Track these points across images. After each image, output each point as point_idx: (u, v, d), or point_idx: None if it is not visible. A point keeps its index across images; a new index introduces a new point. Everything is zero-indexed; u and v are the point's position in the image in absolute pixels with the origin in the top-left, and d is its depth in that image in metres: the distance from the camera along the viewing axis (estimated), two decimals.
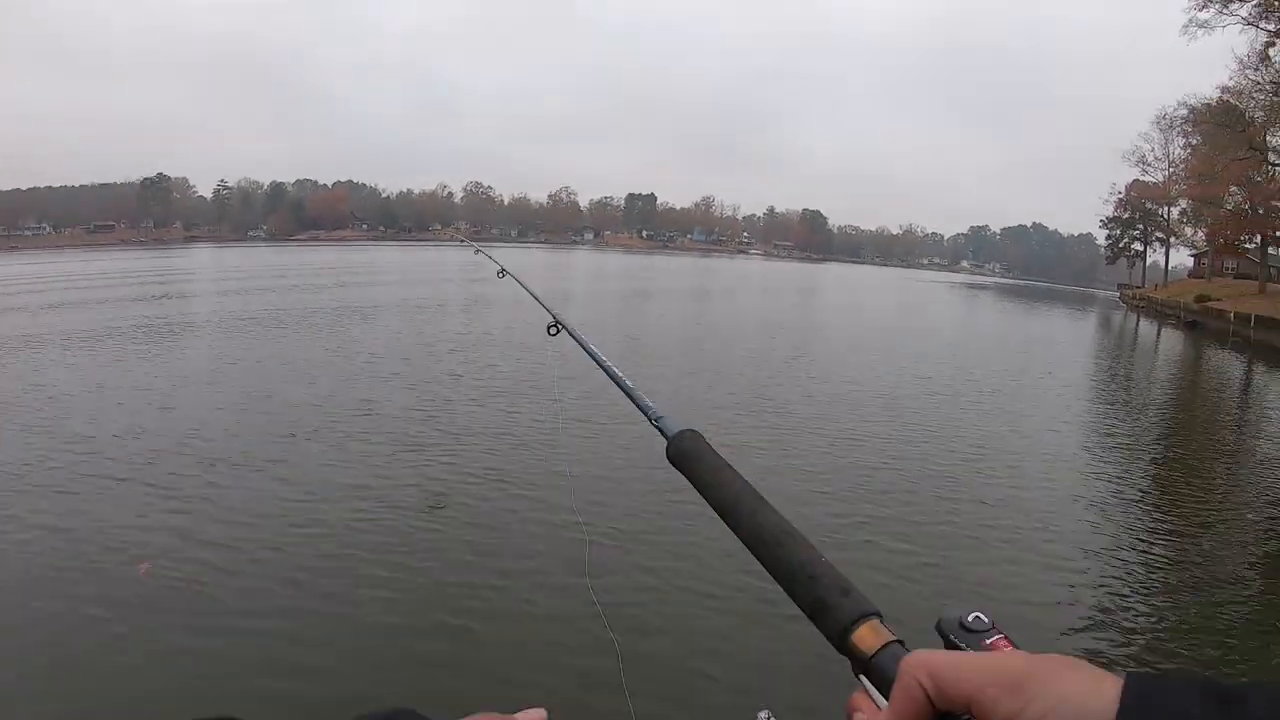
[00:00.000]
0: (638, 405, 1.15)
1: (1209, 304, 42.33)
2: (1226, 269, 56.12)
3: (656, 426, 1.03)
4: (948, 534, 7.76)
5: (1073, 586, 6.76)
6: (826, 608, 0.65)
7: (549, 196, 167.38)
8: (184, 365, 14.82)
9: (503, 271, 2.39)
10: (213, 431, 9.94)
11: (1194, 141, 47.28)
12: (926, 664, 0.53)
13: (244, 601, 5.52)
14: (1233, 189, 41.66)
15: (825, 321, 34.64)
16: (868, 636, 0.63)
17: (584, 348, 1.48)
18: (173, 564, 6.10)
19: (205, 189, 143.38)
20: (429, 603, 5.47)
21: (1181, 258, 70.68)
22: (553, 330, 1.75)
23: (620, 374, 1.26)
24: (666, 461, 0.94)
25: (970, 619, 1.14)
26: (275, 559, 6.23)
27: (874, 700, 0.56)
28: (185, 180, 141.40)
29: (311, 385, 12.73)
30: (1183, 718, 0.37)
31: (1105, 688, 0.41)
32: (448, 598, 5.52)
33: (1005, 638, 1.10)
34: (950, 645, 1.16)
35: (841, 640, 0.62)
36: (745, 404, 13.38)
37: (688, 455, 0.89)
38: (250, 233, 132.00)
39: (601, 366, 1.35)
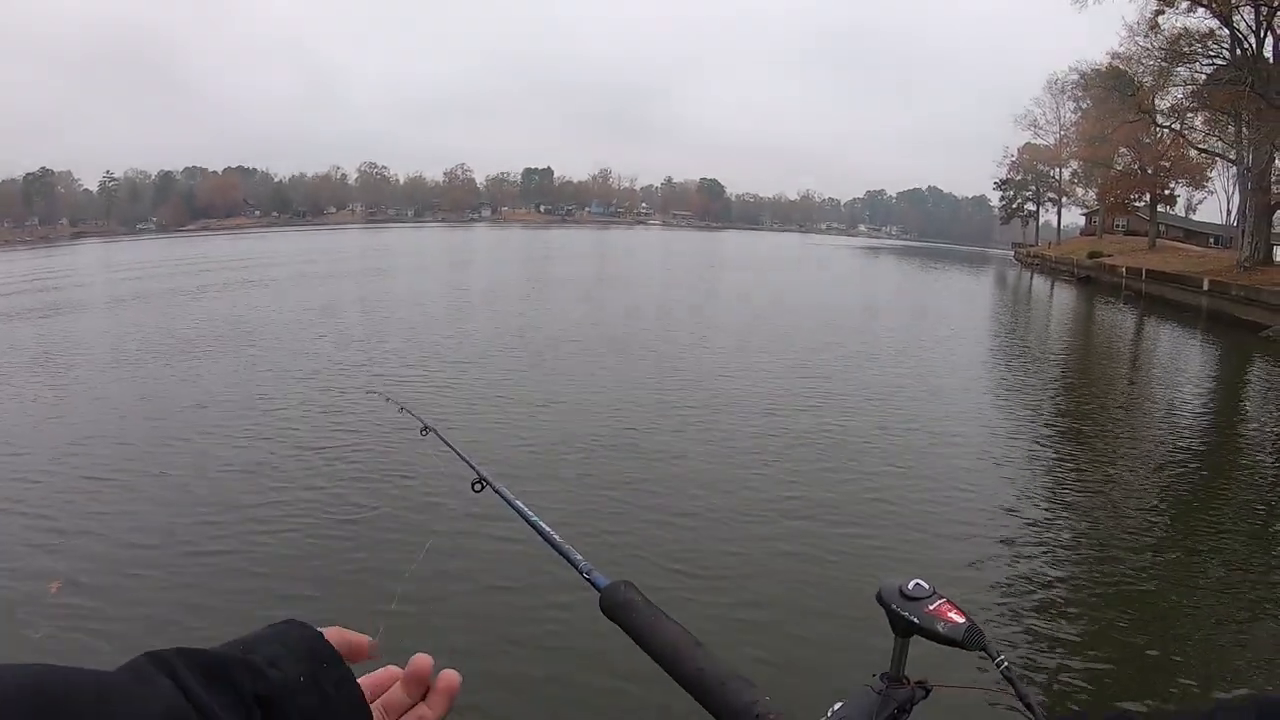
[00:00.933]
0: (569, 560, 1.18)
1: (1101, 259, 44.53)
2: (1117, 227, 59.15)
3: (588, 579, 1.06)
4: (869, 503, 7.92)
5: (996, 541, 7.02)
6: None
7: (445, 174, 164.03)
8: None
9: (425, 429, 2.16)
10: None
11: (1084, 105, 49.68)
12: None
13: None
14: (1122, 150, 44.10)
15: (727, 290, 35.01)
16: None
17: (511, 505, 1.44)
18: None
19: (92, 182, 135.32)
20: None
21: (1073, 217, 74.67)
22: (477, 487, 1.63)
23: (549, 529, 1.28)
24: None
25: (910, 586, 1.17)
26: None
27: None
28: (70, 174, 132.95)
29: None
30: None
31: None
32: None
33: (948, 600, 1.17)
34: (893, 614, 1.18)
35: None
36: (660, 383, 13.28)
37: (621, 606, 0.91)
38: (140, 225, 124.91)
39: (530, 523, 1.34)
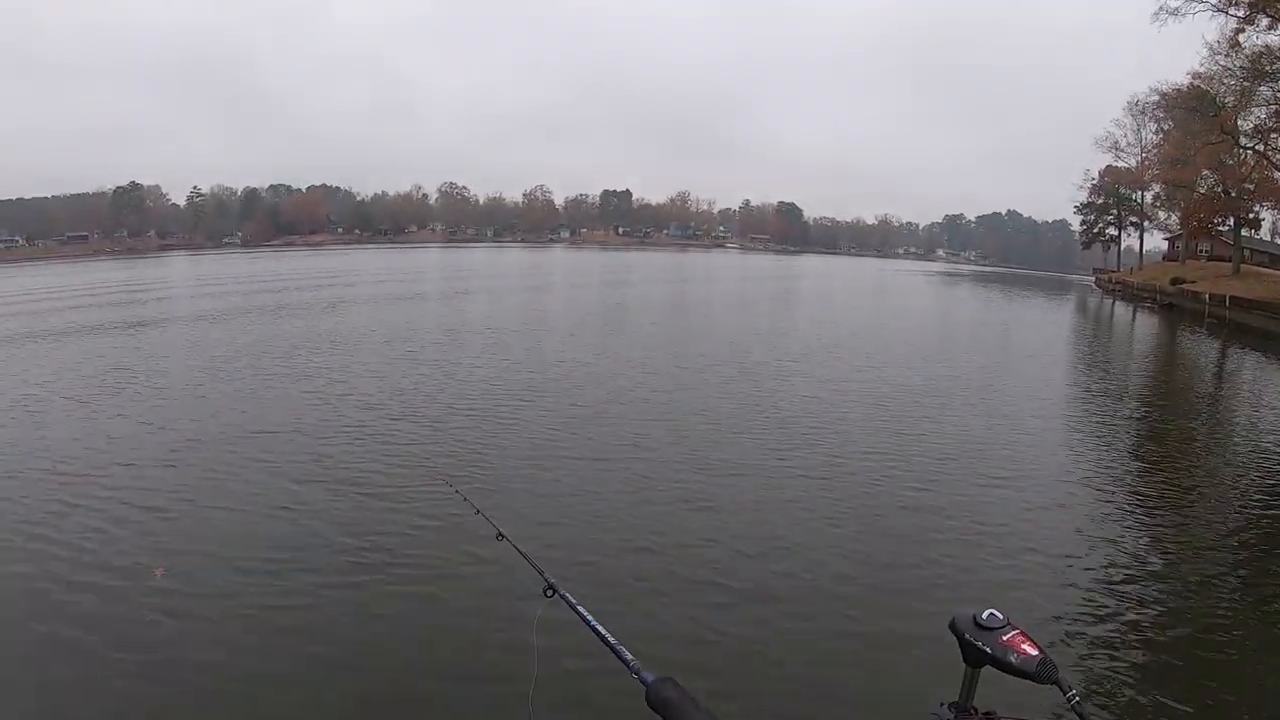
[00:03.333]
0: (621, 660, 1.30)
1: (1184, 286, 43.20)
2: (1200, 251, 56.85)
3: (637, 677, 1.16)
4: (947, 531, 7.87)
5: (1071, 573, 6.89)
6: None
7: (524, 195, 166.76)
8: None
9: (500, 535, 2.22)
10: None
11: (1166, 127, 48.46)
12: None
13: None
14: (1205, 172, 42.65)
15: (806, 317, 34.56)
16: None
17: (577, 612, 1.55)
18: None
19: (179, 197, 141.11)
20: None
21: (1155, 241, 71.97)
22: (549, 593, 1.68)
23: (607, 633, 1.42)
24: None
25: (985, 616, 1.29)
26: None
27: None
28: (158, 188, 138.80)
29: None
30: None
31: None
32: None
33: (1021, 632, 1.31)
34: (965, 644, 1.29)
35: None
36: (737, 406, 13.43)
37: (667, 702, 1.00)
38: (225, 240, 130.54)
39: (593, 629, 1.46)
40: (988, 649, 1.27)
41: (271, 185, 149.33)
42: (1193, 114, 37.13)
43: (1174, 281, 44.92)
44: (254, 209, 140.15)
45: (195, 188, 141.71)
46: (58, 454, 9.93)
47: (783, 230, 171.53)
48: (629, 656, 1.28)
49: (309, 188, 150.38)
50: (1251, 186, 39.90)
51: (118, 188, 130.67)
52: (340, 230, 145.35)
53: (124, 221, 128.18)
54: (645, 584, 6.41)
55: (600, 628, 1.44)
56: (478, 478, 9.10)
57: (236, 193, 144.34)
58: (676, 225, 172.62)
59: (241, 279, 47.25)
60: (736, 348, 20.83)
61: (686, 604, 6.09)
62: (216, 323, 25.44)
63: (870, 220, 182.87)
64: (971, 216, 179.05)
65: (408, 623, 5.77)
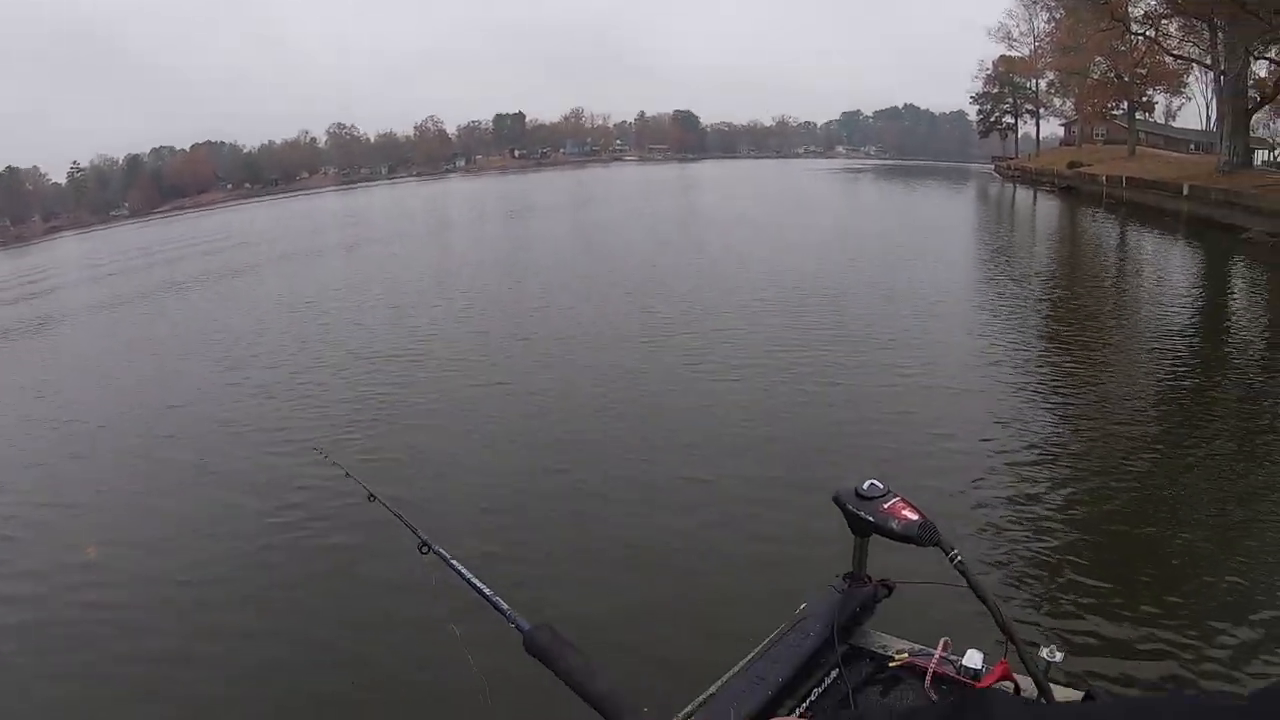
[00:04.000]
0: (499, 610, 1.29)
1: (1081, 169, 44.58)
2: (1096, 136, 58.73)
3: (517, 628, 1.17)
4: (859, 422, 8.20)
5: (983, 449, 7.22)
6: None
7: (415, 128, 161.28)
8: None
9: (371, 496, 2.08)
10: None
11: (1057, 15, 49.38)
12: None
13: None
14: (1098, 59, 43.80)
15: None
16: None
17: (452, 566, 1.52)
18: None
19: (60, 174, 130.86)
20: None
21: (1052, 128, 73.34)
22: (423, 550, 1.65)
23: (483, 585, 1.39)
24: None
25: (865, 487, 1.36)
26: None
27: None
28: (36, 169, 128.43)
29: None
30: None
31: None
32: None
33: (902, 499, 1.34)
34: (849, 515, 1.37)
35: None
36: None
37: (543, 648, 1.02)
38: (113, 213, 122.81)
39: (470, 583, 1.42)
40: (870, 518, 1.31)
41: (154, 149, 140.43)
42: (1083, 2, 37.70)
43: (1071, 165, 46.34)
44: (137, 176, 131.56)
45: (75, 163, 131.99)
46: None
47: (680, 139, 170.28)
48: (505, 606, 1.27)
49: (193, 146, 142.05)
50: (1144, 71, 41.44)
51: None
52: (229, 186, 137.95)
53: (5, 209, 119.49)
54: (523, 530, 6.49)
55: (476, 580, 1.41)
56: (350, 442, 8.91)
57: (118, 162, 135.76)
58: (573, 143, 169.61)
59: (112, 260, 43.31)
60: (640, 270, 20.36)
61: (572, 542, 6.26)
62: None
63: (767, 122, 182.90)
64: (869, 112, 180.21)
65: (285, 587, 5.92)
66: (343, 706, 4.63)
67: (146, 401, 11.91)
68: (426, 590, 1.97)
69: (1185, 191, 28.82)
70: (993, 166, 73.02)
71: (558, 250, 26.67)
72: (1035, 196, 44.72)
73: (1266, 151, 38.71)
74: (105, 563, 6.48)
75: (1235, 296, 15.97)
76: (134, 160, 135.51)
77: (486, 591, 1.36)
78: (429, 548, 1.63)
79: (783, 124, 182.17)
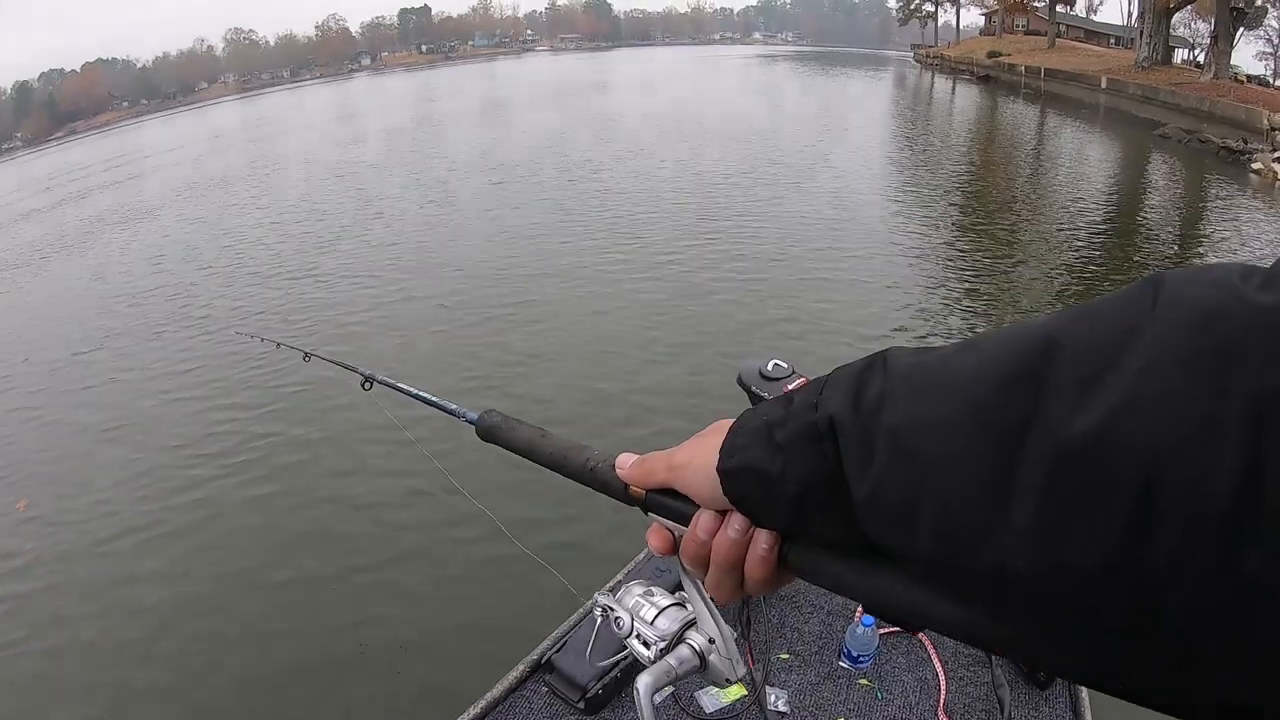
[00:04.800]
0: (447, 410, 1.28)
1: (1001, 59, 44.81)
2: (1017, 27, 58.70)
3: (467, 421, 1.16)
4: (779, 311, 8.40)
5: (893, 332, 7.54)
6: (601, 477, 0.73)
7: (316, 28, 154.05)
8: None
9: (307, 356, 2.17)
10: None
11: None
12: (629, 476, 0.64)
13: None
14: None
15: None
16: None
17: (397, 388, 1.51)
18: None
19: None
20: None
21: (972, 17, 73.92)
22: (367, 386, 1.67)
23: (430, 395, 1.37)
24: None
25: (769, 367, 1.48)
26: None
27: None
28: None
29: None
30: (758, 427, 0.47)
31: (718, 436, 0.52)
32: None
33: (806, 380, 1.36)
34: (753, 396, 1.48)
35: (624, 494, 0.69)
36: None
37: (493, 428, 1.04)
38: (5, 145, 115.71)
39: (417, 397, 1.41)
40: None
41: (43, 74, 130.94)
42: None
43: (991, 55, 46.68)
44: (28, 103, 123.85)
45: None
46: None
47: (592, 27, 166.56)
48: (453, 405, 1.24)
49: (84, 66, 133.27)
50: None
51: None
52: (125, 104, 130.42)
53: None
54: (450, 359, 7.47)
55: (422, 391, 1.40)
56: (279, 322, 9.57)
57: (6, 91, 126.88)
58: (482, 35, 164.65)
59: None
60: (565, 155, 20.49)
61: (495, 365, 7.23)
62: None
63: (683, 9, 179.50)
64: None
65: (243, 461, 6.35)
66: (333, 530, 5.32)
67: (66, 321, 11.70)
68: (381, 416, 2.18)
69: (1103, 85, 29.90)
70: (911, 55, 72.92)
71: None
72: (954, 85, 44.21)
73: (1186, 50, 39.82)
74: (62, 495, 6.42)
75: (1149, 193, 16.18)
76: (22, 86, 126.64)
77: (434, 399, 1.35)
78: (371, 381, 1.65)
79: (698, 9, 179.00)
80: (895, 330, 7.72)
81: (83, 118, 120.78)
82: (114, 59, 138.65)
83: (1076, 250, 10.77)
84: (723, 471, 0.51)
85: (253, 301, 10.79)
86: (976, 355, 0.37)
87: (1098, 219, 12.80)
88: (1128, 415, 0.28)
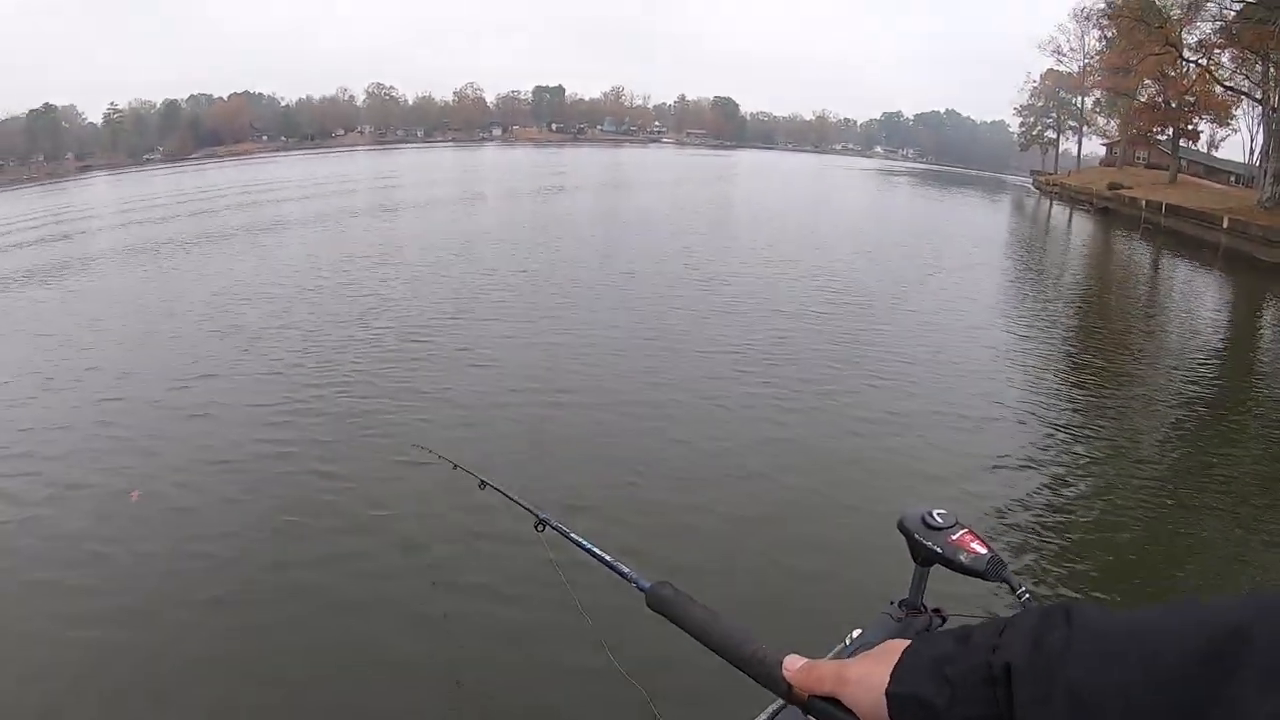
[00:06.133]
0: (619, 573, 1.30)
1: (1120, 191, 43.65)
2: (1138, 159, 57.91)
3: (639, 588, 1.16)
4: (895, 438, 8.13)
5: (1015, 473, 7.22)
6: (767, 672, 0.75)
7: (454, 94, 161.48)
8: None
9: (483, 484, 2.13)
10: None
11: (1109, 35, 49.01)
12: (796, 679, 0.66)
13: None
14: (1147, 82, 43.35)
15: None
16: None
17: (570, 539, 1.55)
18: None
19: (96, 115, 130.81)
20: None
21: (1093, 147, 72.74)
22: (540, 528, 1.70)
23: (602, 553, 1.41)
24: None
25: (934, 516, 1.35)
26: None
27: None
28: (74, 108, 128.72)
29: None
30: (933, 657, 0.47)
31: (890, 659, 0.52)
32: None
33: (970, 530, 1.33)
34: (914, 543, 1.35)
35: (787, 693, 0.72)
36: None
37: (665, 600, 1.03)
38: (146, 156, 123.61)
39: (589, 552, 1.45)
40: (937, 548, 1.30)
41: (191, 96, 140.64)
42: (1138, 24, 36.88)
43: (1111, 186, 45.54)
44: (174, 122, 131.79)
45: (112, 104, 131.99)
46: None
47: (719, 126, 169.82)
48: (626, 569, 1.28)
49: (231, 95, 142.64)
50: (1192, 99, 40.98)
51: (31, 111, 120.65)
52: (265, 138, 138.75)
53: (40, 146, 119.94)
54: (627, 508, 6.60)
55: (594, 547, 1.44)
56: (447, 433, 8.38)
57: (156, 106, 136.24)
58: (611, 121, 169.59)
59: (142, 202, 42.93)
60: (680, 261, 19.73)
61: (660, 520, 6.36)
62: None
63: (807, 116, 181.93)
64: (909, 114, 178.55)
65: (413, 583, 5.66)
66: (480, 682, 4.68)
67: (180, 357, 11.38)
68: (547, 565, 2.03)
69: (1225, 224, 28.45)
70: (1031, 180, 72.33)
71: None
72: (1071, 215, 43.91)
73: None
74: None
75: (1265, 335, 15.83)
76: (171, 105, 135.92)
77: (607, 557, 1.38)
78: (545, 524, 1.68)
79: (822, 119, 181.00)
80: (1013, 463, 7.56)
81: (222, 144, 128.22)
82: (259, 93, 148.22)
83: (1186, 400, 10.44)
84: (890, 695, 0.51)
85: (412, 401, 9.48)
86: (1167, 627, 0.36)
87: (1212, 363, 12.58)
88: None
